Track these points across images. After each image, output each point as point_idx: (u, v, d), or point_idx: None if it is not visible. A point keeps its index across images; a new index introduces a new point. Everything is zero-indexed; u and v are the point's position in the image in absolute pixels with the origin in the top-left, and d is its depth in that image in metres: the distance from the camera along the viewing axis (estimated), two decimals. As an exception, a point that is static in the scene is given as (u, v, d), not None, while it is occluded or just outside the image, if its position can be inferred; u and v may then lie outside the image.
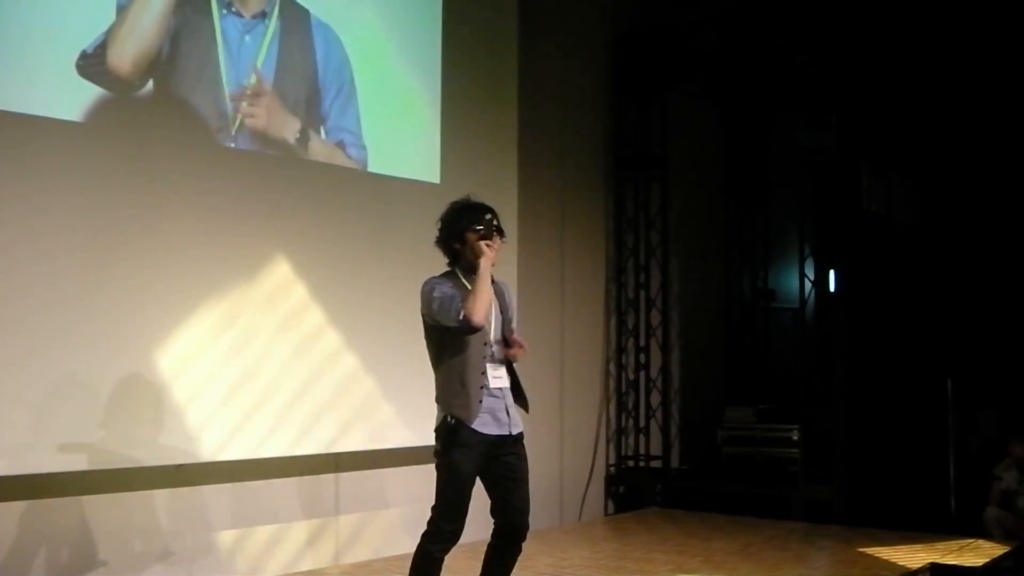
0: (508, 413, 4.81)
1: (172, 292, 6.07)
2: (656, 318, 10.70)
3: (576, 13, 9.97)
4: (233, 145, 6.44)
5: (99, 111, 5.75)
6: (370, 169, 7.30)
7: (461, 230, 4.78)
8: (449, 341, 4.73)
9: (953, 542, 8.22)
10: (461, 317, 4.58)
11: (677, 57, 10.49)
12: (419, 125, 7.74)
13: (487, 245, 4.71)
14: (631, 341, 10.57)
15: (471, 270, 4.74)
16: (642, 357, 10.57)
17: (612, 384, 10.43)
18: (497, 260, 4.75)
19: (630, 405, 10.49)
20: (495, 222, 4.79)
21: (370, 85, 7.35)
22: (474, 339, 4.71)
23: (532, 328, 8.79)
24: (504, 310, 4.92)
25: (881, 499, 9.53)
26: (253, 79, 6.49)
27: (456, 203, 4.90)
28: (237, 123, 6.42)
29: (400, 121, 7.59)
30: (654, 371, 10.63)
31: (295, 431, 6.74)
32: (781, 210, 11.69)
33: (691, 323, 11.45)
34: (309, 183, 6.94)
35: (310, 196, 6.93)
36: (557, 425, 9.54)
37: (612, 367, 10.44)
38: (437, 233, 4.88)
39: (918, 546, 8.03)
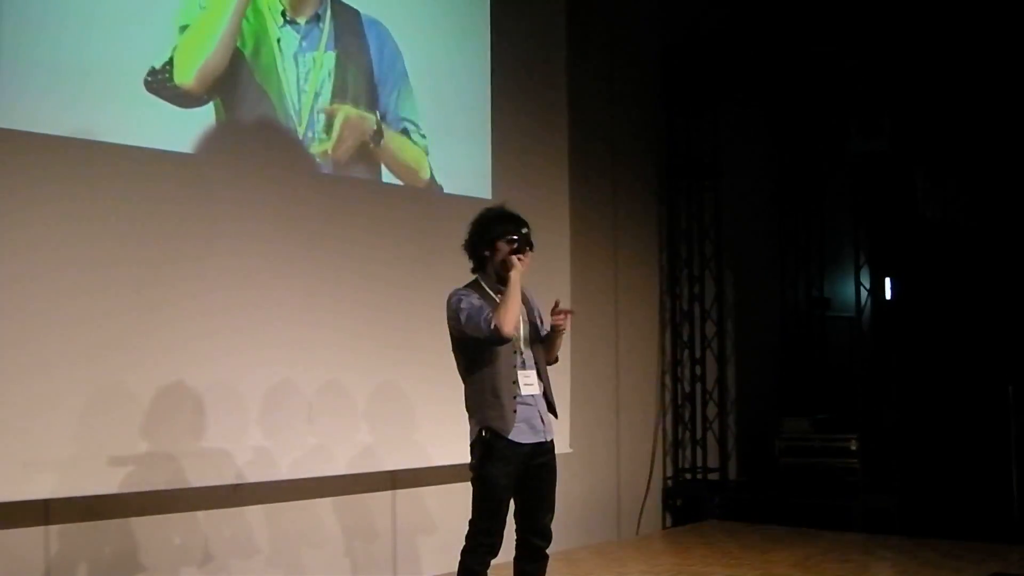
0: (542, 420, 4.81)
1: (225, 307, 6.07)
2: (711, 329, 10.67)
3: (625, 24, 9.94)
4: (310, 163, 6.54)
5: (165, 133, 5.83)
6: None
7: (493, 238, 4.80)
8: (479, 352, 4.73)
9: (1017, 550, 8.12)
10: (492, 327, 4.57)
11: (727, 66, 10.46)
12: (469, 139, 7.73)
13: (518, 259, 4.73)
14: (686, 353, 10.53)
15: (498, 279, 4.77)
16: (697, 369, 10.53)
17: (668, 396, 10.38)
18: (527, 272, 4.75)
19: (686, 417, 10.44)
20: (529, 236, 4.80)
21: (421, 102, 7.37)
22: (504, 348, 4.71)
23: (586, 342, 8.83)
24: (531, 316, 4.92)
25: (942, 508, 9.43)
26: (316, 83, 6.58)
27: (490, 210, 4.91)
28: (307, 130, 6.52)
29: (451, 136, 7.57)
30: (710, 382, 10.60)
31: (347, 448, 6.73)
32: (835, 217, 11.58)
33: (746, 334, 11.40)
34: (369, 202, 6.99)
35: (368, 215, 6.97)
36: (613, 439, 9.52)
37: (667, 379, 10.39)
38: (467, 236, 4.89)
39: (981, 555, 7.94)
